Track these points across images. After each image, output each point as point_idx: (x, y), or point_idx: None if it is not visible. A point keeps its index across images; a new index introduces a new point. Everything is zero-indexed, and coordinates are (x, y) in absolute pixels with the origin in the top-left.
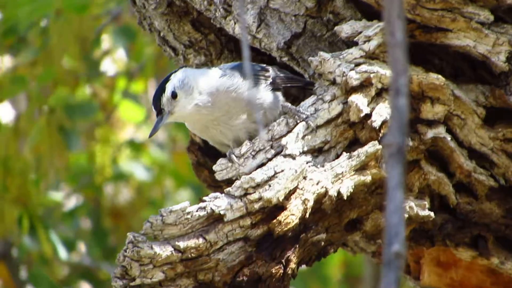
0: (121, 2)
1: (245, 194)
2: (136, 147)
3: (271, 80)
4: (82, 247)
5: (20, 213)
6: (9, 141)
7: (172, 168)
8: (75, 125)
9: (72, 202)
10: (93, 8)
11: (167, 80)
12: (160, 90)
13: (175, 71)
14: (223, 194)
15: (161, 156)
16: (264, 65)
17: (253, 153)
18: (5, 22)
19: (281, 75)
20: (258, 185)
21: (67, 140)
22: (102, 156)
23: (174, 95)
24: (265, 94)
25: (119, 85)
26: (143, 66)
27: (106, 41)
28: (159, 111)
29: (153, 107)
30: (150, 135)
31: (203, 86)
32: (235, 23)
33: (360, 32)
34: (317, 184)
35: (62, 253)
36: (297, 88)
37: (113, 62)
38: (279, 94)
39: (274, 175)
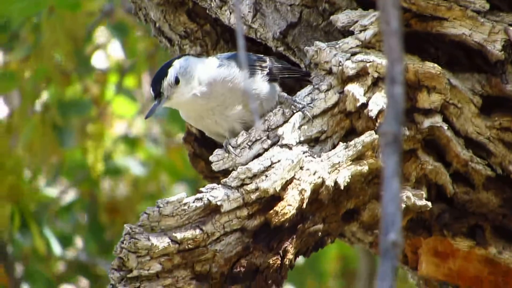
0: None
1: (242, 185)
2: (131, 142)
3: (267, 71)
4: (79, 242)
5: (12, 209)
6: (1, 138)
7: (167, 163)
8: (68, 122)
9: (69, 197)
10: (86, 5)
11: (169, 65)
12: (162, 74)
13: (178, 57)
14: (219, 185)
15: (156, 151)
16: (261, 55)
17: (249, 143)
18: None
19: (278, 65)
20: (255, 176)
21: (61, 137)
22: (94, 152)
23: (177, 81)
24: (261, 85)
25: (111, 80)
26: (136, 62)
27: (99, 36)
28: (158, 94)
29: (151, 89)
30: (147, 117)
31: (202, 77)
32: (230, 13)
33: (356, 22)
34: (314, 174)
35: (56, 248)
36: (293, 79)
37: (106, 57)
38: (276, 84)
39: (270, 165)
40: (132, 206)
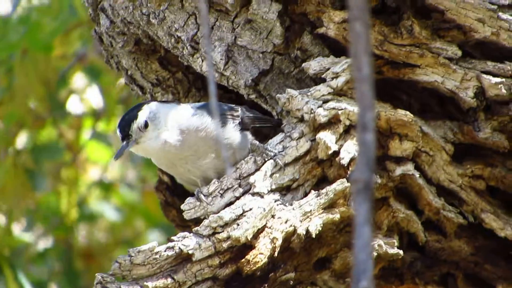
0: (87, 42)
1: (214, 233)
2: (105, 187)
3: (239, 120)
4: None
5: None
6: None
7: (142, 208)
8: (41, 167)
9: (44, 243)
10: (58, 48)
11: (139, 108)
12: (131, 116)
13: (148, 102)
14: (191, 234)
15: (131, 196)
16: (233, 105)
17: (221, 191)
18: None
19: (250, 115)
20: (226, 224)
21: (33, 181)
22: (68, 197)
23: (146, 125)
24: (233, 134)
25: (86, 125)
26: (109, 106)
27: (74, 80)
28: (126, 136)
29: (118, 131)
30: (115, 158)
31: (171, 123)
32: (202, 61)
33: (328, 69)
34: (286, 222)
35: None
36: (267, 128)
37: (81, 101)
38: (248, 133)
39: (242, 213)
40: (107, 252)
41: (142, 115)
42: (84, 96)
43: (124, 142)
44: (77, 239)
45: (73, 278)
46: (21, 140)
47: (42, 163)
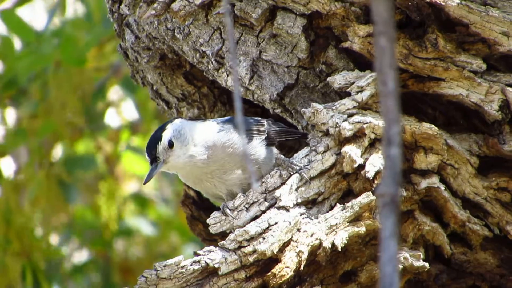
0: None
1: (239, 247)
2: (141, 202)
3: (265, 135)
4: None
5: (23, 266)
6: (10, 195)
7: (177, 223)
8: (75, 178)
9: (80, 257)
10: (93, 61)
11: (163, 129)
12: (156, 138)
13: (171, 121)
14: (217, 248)
15: (166, 211)
16: (259, 118)
17: (246, 205)
18: (6, 74)
19: (276, 128)
20: (252, 238)
21: (66, 193)
22: (108, 210)
23: (170, 144)
24: (259, 150)
25: (123, 138)
26: (145, 120)
27: (111, 93)
28: (154, 159)
29: (146, 155)
30: (145, 182)
31: (198, 139)
32: (227, 75)
33: (353, 83)
34: (311, 236)
35: None
36: (292, 141)
37: (118, 114)
38: (273, 148)
39: (268, 227)
40: (144, 266)
41: (166, 135)
42: (120, 109)
43: (153, 165)
44: (116, 253)
45: None
46: (57, 153)
47: (76, 175)
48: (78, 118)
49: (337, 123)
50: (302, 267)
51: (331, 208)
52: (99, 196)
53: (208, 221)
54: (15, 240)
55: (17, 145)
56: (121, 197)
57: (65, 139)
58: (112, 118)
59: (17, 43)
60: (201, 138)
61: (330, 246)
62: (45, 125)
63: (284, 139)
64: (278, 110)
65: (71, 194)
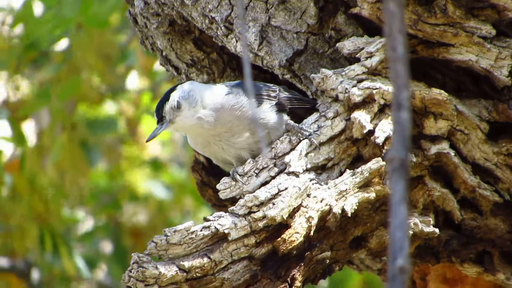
0: None
1: (249, 213)
2: (156, 166)
3: (276, 101)
4: (103, 266)
5: (41, 231)
6: (34, 158)
7: (191, 187)
8: (97, 140)
9: (90, 222)
10: (113, 21)
11: (173, 90)
12: (165, 98)
13: (182, 83)
14: (227, 213)
15: (180, 175)
16: (271, 84)
17: (256, 171)
18: (27, 38)
19: (289, 95)
20: (262, 204)
21: (89, 155)
22: (129, 173)
23: (178, 105)
24: (269, 114)
25: (143, 101)
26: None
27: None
28: (160, 119)
29: (155, 114)
30: (147, 140)
31: (207, 101)
32: (236, 41)
33: (362, 48)
34: (321, 201)
35: (85, 272)
36: (303, 109)
37: (140, 76)
38: (284, 114)
39: (277, 193)
40: (155, 230)
41: (174, 96)
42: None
43: (158, 125)
44: (127, 218)
45: (121, 256)
46: (78, 115)
47: (98, 136)
48: (103, 80)
49: (347, 88)
50: (312, 233)
51: (341, 173)
52: (121, 159)
53: (218, 186)
54: (38, 204)
55: (39, 108)
56: (140, 160)
57: (88, 101)
58: (133, 81)
59: (38, 7)
60: (210, 100)
61: (340, 212)
62: (69, 87)
63: (296, 106)
64: (287, 76)
65: (94, 156)
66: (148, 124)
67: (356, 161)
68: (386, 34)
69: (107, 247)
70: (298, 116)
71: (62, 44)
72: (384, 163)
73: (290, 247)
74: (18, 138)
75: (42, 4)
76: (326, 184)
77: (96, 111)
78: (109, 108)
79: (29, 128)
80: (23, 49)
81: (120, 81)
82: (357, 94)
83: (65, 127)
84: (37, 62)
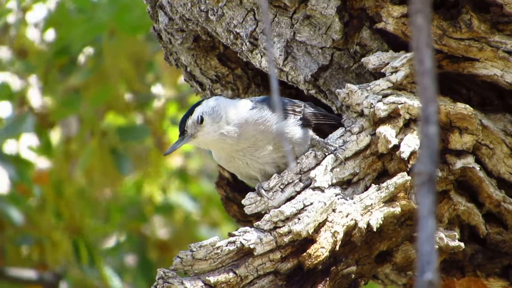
0: None
1: (275, 228)
2: (185, 177)
3: (300, 116)
4: (128, 279)
5: (75, 243)
6: (61, 165)
7: (218, 200)
8: (127, 148)
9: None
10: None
11: (199, 104)
12: (189, 112)
13: (208, 98)
14: (252, 228)
15: (208, 187)
16: (297, 100)
17: (281, 186)
18: (59, 42)
19: (314, 111)
20: (287, 218)
21: (119, 163)
22: (151, 184)
23: (200, 120)
24: (294, 129)
25: (169, 111)
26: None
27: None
28: (182, 132)
29: (178, 127)
30: (166, 154)
31: (232, 117)
32: (261, 57)
33: (387, 63)
34: (347, 216)
35: (117, 284)
36: (328, 125)
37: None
38: (309, 129)
39: (303, 208)
40: (181, 244)
41: (198, 111)
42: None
43: (180, 138)
44: (152, 230)
45: (147, 269)
46: (107, 122)
47: (128, 144)
48: (133, 87)
49: (372, 103)
50: (337, 248)
51: (366, 188)
52: (146, 167)
53: (243, 201)
54: (66, 213)
55: (68, 114)
56: (167, 171)
57: (118, 109)
58: (159, 91)
59: (72, 11)
60: (234, 116)
61: (365, 227)
62: (100, 93)
63: (321, 122)
64: (312, 91)
65: (124, 164)
66: (174, 134)
67: (382, 176)
68: (413, 47)
69: (131, 260)
70: (323, 132)
71: (90, 51)
72: (409, 177)
73: (316, 262)
74: (46, 147)
75: (76, 8)
76: (352, 199)
77: (123, 120)
78: (136, 118)
79: (55, 135)
80: (54, 53)
81: (148, 90)
82: (382, 109)
83: (95, 134)
84: (65, 70)
